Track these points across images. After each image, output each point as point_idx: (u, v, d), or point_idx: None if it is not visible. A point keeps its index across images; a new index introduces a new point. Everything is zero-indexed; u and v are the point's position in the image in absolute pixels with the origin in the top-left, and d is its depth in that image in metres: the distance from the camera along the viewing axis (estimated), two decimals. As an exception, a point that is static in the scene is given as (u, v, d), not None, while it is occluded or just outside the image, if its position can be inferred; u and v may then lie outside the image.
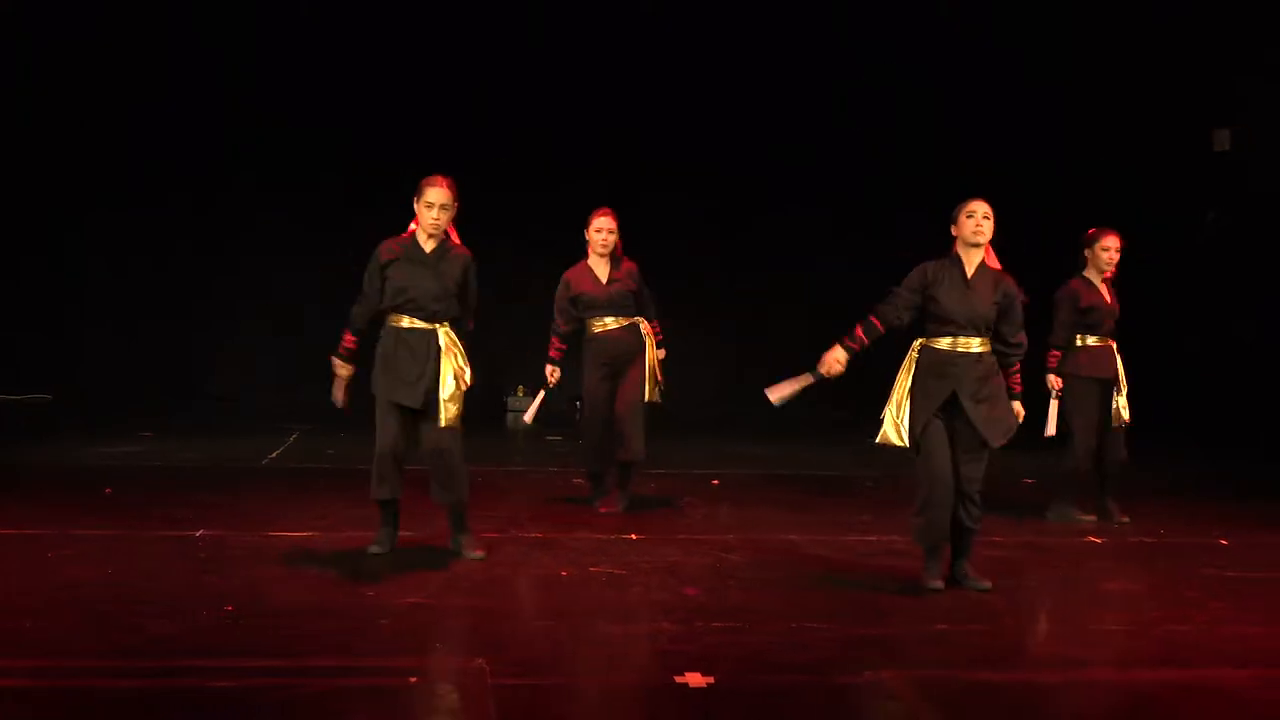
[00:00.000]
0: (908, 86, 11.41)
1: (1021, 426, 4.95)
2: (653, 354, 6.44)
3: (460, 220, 5.36)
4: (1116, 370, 6.41)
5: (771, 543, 5.80)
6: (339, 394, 5.38)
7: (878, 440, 4.90)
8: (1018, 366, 4.96)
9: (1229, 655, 4.13)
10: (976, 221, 4.88)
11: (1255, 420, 9.63)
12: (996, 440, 4.81)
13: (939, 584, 4.84)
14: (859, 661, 3.89)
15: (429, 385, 5.11)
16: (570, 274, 6.42)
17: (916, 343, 4.95)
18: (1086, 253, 6.42)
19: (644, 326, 6.46)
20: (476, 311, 5.43)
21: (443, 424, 5.14)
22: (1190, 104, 10.20)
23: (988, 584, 4.88)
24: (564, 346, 6.46)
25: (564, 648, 4.01)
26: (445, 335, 5.19)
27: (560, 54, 11.40)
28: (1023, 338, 4.92)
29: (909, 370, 4.89)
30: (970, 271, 4.87)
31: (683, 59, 11.43)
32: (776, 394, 5.01)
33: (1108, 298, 6.42)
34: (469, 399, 5.31)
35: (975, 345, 4.84)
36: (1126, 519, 6.39)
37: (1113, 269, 6.40)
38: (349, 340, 5.34)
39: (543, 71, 11.48)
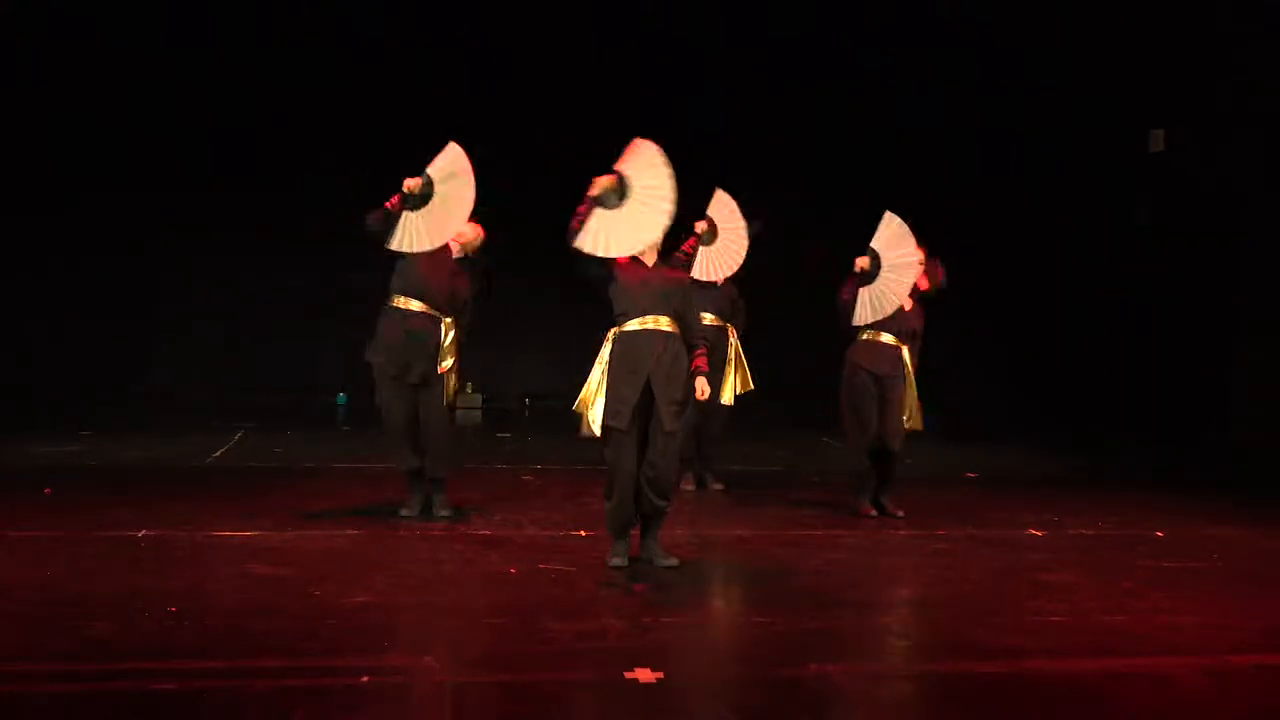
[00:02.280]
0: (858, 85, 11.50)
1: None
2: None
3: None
4: (889, 368, 6.29)
5: (719, 538, 5.84)
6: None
7: (583, 433, 4.97)
8: (703, 350, 5.06)
9: (1165, 644, 4.23)
10: None
11: (1190, 414, 9.84)
12: (671, 424, 4.87)
13: (622, 561, 5.03)
14: (806, 655, 3.94)
15: (427, 365, 5.78)
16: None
17: (611, 332, 5.00)
18: None
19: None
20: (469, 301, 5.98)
21: (435, 400, 5.83)
22: (1128, 106, 10.41)
23: (675, 560, 5.09)
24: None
25: (513, 645, 4.01)
26: (444, 324, 5.82)
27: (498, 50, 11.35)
28: (701, 318, 5.09)
29: (603, 361, 4.94)
30: (651, 260, 4.99)
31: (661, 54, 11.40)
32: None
33: (904, 304, 6.30)
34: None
35: (664, 324, 4.92)
36: (901, 513, 6.40)
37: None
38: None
39: (486, 66, 11.42)
